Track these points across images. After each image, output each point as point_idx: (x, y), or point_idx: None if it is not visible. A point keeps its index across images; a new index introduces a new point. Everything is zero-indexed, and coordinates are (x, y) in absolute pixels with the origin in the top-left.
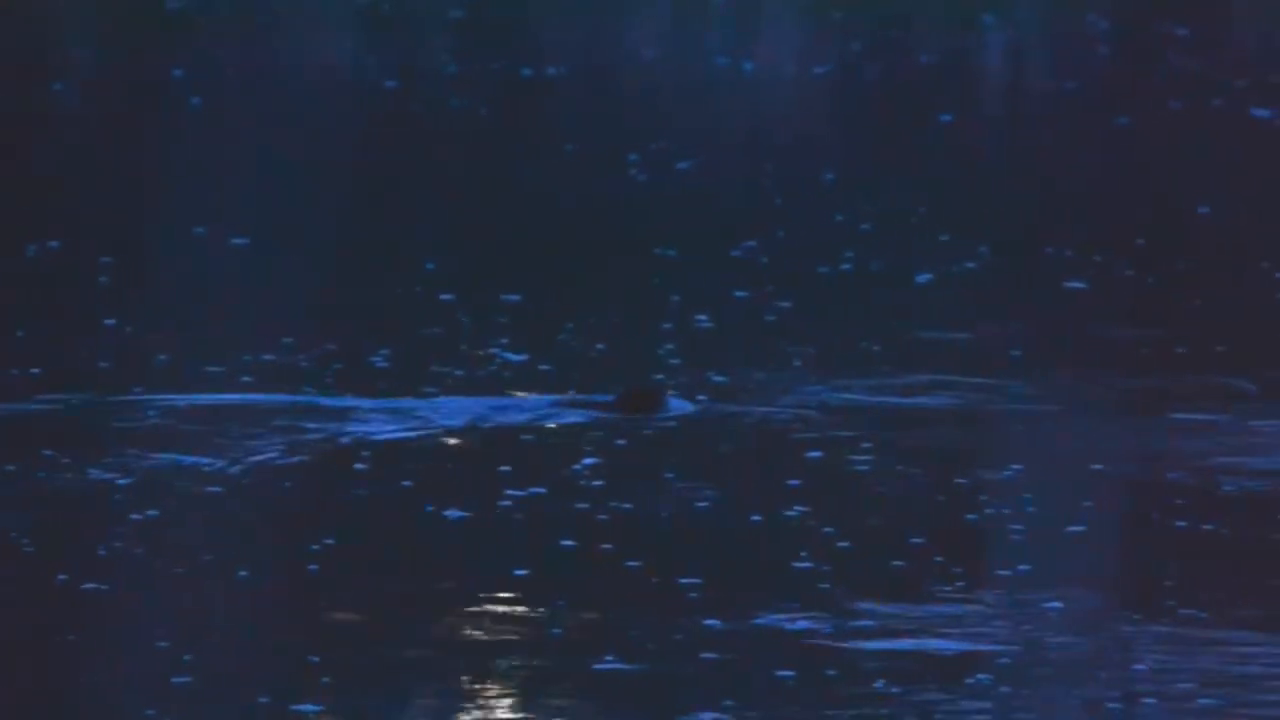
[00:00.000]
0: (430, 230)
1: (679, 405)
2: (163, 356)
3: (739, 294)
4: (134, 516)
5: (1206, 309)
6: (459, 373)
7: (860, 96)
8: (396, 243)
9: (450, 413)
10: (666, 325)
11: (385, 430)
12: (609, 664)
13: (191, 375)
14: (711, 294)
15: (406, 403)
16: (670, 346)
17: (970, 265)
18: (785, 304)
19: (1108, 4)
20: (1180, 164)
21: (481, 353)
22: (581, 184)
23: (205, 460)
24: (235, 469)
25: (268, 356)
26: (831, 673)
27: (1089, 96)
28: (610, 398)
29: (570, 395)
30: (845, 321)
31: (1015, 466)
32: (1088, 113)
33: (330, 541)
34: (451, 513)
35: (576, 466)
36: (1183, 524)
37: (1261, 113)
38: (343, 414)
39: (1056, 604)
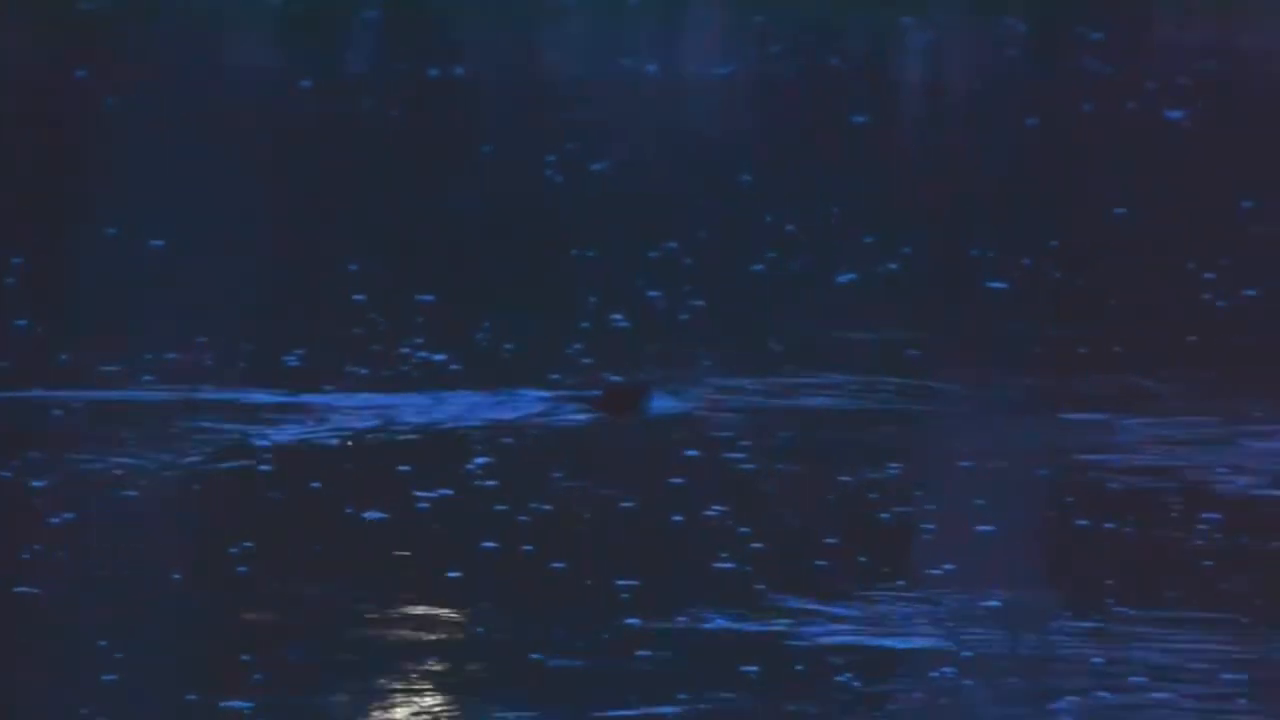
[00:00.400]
0: (347, 231)
1: (661, 402)
2: (65, 356)
3: (655, 294)
4: (52, 520)
5: (1124, 309)
6: (363, 371)
7: (777, 99)
8: (313, 244)
9: (418, 409)
10: (584, 325)
11: (328, 430)
12: (540, 662)
13: (102, 375)
14: (628, 294)
15: (389, 398)
16: (578, 346)
17: (893, 266)
18: (700, 303)
19: (1025, 8)
20: (1097, 165)
21: (396, 352)
22: (499, 185)
23: (119, 461)
24: (152, 470)
25: (175, 356)
26: (760, 668)
27: (1006, 99)
28: (596, 394)
29: (557, 392)
30: (763, 322)
31: (927, 465)
32: (1005, 115)
33: (249, 545)
34: (370, 514)
35: (530, 465)
36: (1085, 522)
37: (1174, 114)
38: (301, 410)
39: (991, 603)
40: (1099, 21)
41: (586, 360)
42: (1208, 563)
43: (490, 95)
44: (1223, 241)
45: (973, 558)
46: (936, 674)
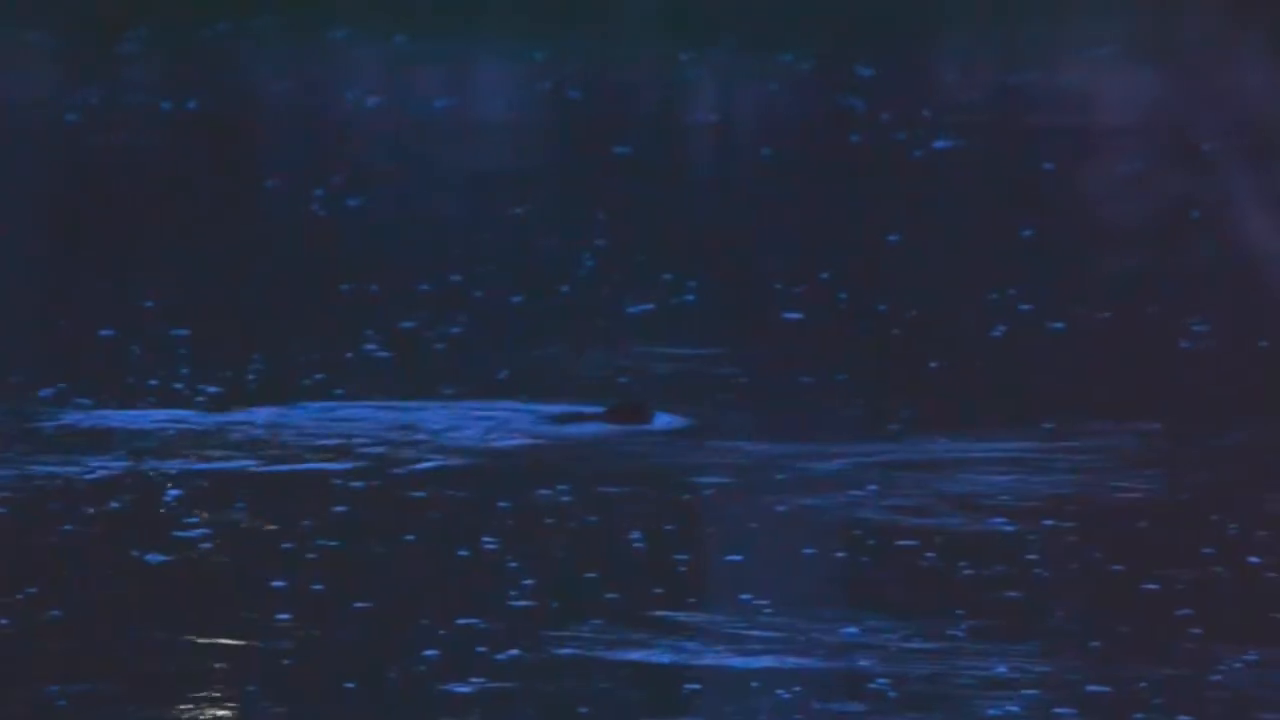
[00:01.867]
0: (114, 266)
1: (663, 419)
2: None
3: (409, 324)
4: None
5: (884, 338)
6: (89, 400)
7: (553, 134)
8: (75, 279)
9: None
10: (348, 354)
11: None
12: (338, 690)
13: None
14: (389, 325)
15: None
16: (321, 376)
17: (689, 298)
18: (457, 330)
19: (806, 46)
20: (869, 195)
21: (146, 383)
22: (267, 218)
23: None
24: None
25: None
26: (557, 693)
27: (775, 133)
28: (600, 410)
29: (562, 409)
30: (509, 352)
31: (703, 492)
32: (777, 147)
33: (33, 591)
34: (153, 557)
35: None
36: (812, 550)
37: (942, 144)
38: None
39: (801, 623)
40: (872, 60)
41: (338, 390)
42: (1013, 589)
43: (257, 131)
44: (994, 267)
45: (744, 583)
46: (788, 694)
